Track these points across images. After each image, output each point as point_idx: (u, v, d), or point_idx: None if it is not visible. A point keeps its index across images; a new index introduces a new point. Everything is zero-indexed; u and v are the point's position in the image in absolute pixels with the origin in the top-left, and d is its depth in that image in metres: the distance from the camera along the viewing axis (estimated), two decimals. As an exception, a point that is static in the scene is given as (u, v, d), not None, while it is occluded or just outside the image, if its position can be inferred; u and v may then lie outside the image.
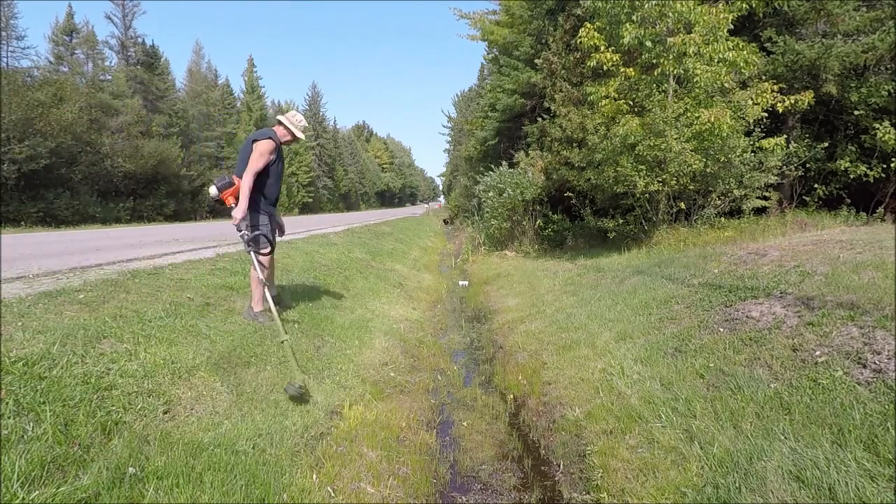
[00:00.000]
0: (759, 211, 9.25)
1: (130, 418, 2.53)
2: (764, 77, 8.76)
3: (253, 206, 4.02)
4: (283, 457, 2.72)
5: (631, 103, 8.87)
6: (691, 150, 7.90)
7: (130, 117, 25.54)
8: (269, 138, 4.04)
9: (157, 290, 4.43)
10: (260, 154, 3.97)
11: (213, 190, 4.00)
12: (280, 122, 4.22)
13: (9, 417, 2.20)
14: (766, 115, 8.44)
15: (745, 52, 7.87)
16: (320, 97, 59.85)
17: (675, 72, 8.08)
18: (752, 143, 8.42)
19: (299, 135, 4.19)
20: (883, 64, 8.85)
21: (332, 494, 2.60)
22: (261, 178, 4.04)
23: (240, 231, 3.97)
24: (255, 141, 4.03)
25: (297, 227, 15.82)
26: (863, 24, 8.78)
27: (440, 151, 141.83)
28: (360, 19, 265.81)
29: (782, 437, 2.42)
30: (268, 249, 4.20)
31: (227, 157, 36.09)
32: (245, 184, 3.91)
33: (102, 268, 5.23)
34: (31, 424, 2.21)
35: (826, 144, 9.24)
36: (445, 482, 3.12)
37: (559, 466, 3.18)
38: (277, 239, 4.54)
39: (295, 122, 4.19)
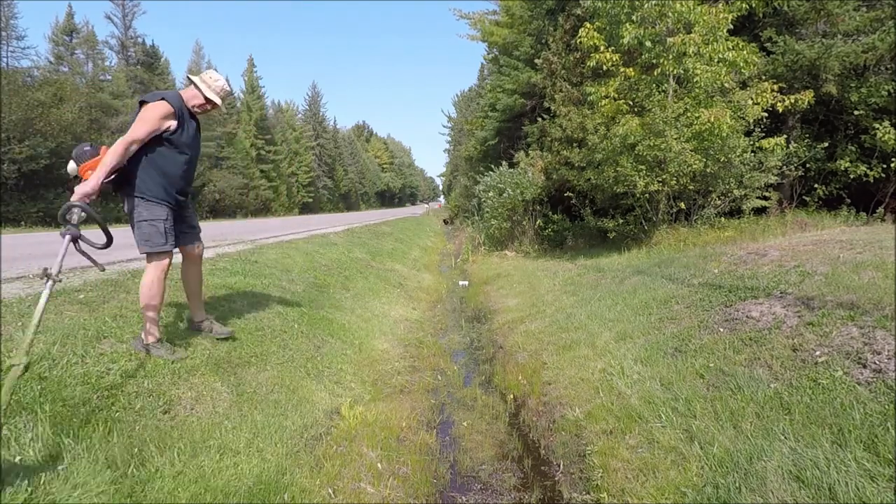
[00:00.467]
0: (759, 211, 9.25)
1: (130, 418, 2.53)
2: (764, 77, 8.77)
3: (146, 190, 3.01)
4: (283, 457, 2.72)
5: (631, 103, 8.88)
6: (691, 150, 7.90)
7: (130, 117, 25.46)
8: (163, 99, 3.02)
9: (157, 290, 4.42)
10: (143, 120, 2.95)
11: (71, 165, 3.03)
12: (190, 82, 3.24)
13: (9, 417, 2.20)
14: (766, 115, 8.44)
15: (745, 52, 7.87)
16: (320, 97, 59.96)
17: (674, 72, 8.08)
18: (752, 143, 8.43)
19: (213, 97, 3.17)
20: (883, 64, 8.85)
21: (332, 494, 2.60)
22: (157, 151, 3.04)
23: (68, 222, 2.59)
24: (143, 102, 3.05)
25: (297, 227, 15.84)
26: (863, 24, 8.79)
27: (440, 151, 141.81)
28: (360, 19, 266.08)
29: (782, 437, 2.42)
30: (165, 248, 3.06)
31: (228, 157, 36.13)
32: (112, 152, 2.85)
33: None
34: (31, 424, 2.21)
35: (826, 144, 9.24)
36: (445, 482, 3.12)
37: (559, 466, 3.18)
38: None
39: (209, 81, 3.20)
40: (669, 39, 7.87)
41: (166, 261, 3.10)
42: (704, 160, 8.02)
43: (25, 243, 8.62)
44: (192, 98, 3.20)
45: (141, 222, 3.03)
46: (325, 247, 9.61)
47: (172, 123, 3.06)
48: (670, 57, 7.90)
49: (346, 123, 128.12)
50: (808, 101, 8.30)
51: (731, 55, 7.71)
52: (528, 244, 12.71)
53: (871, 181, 8.86)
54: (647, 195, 8.63)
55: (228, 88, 3.30)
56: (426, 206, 75.23)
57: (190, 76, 3.26)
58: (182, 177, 3.19)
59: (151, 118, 2.98)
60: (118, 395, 2.64)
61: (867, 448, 2.16)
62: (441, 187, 75.17)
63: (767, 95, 8.21)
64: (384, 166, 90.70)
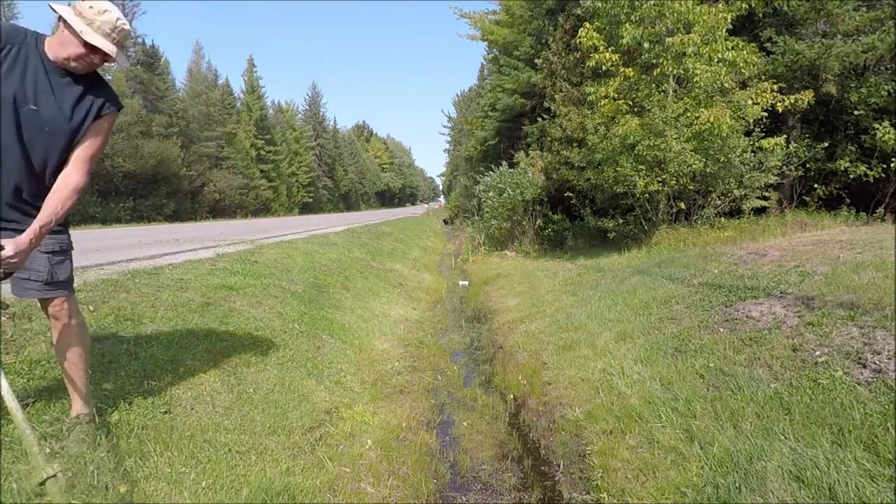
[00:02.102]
0: (759, 211, 9.26)
1: (131, 419, 2.53)
2: (764, 77, 8.77)
3: None
4: (283, 457, 2.72)
5: (630, 103, 8.88)
6: (691, 150, 7.90)
7: (130, 117, 25.54)
8: None
9: (157, 290, 4.43)
10: None
11: None
12: (59, 19, 1.91)
13: (9, 417, 2.20)
14: (765, 114, 8.45)
15: (744, 52, 7.87)
16: (320, 97, 59.89)
17: (674, 72, 8.08)
18: (751, 143, 8.43)
19: (97, 40, 1.90)
20: (883, 64, 8.85)
21: (332, 494, 2.60)
22: None
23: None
24: None
25: (297, 227, 15.83)
26: (863, 24, 8.79)
27: (440, 151, 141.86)
28: (360, 19, 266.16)
29: (782, 437, 2.42)
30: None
31: (227, 157, 36.11)
32: None
33: (102, 268, 5.22)
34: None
35: (826, 144, 9.24)
36: (445, 482, 3.12)
37: (559, 466, 3.18)
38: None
39: (88, 13, 1.89)
40: (668, 39, 7.87)
41: None
42: (704, 160, 8.02)
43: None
44: (61, 45, 1.94)
45: None
46: (325, 247, 9.61)
47: None
48: (670, 57, 7.90)
49: (346, 123, 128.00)
50: (808, 101, 8.30)
51: (730, 55, 7.71)
52: (528, 244, 12.72)
53: (871, 181, 8.86)
54: (646, 195, 8.63)
55: (124, 25, 1.96)
56: (426, 206, 75.19)
57: (53, 6, 1.93)
58: (19, 173, 1.97)
59: None
60: (118, 396, 2.64)
61: (867, 448, 2.16)
62: (441, 187, 75.15)
63: (767, 95, 8.22)
64: (384, 166, 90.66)
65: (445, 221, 34.13)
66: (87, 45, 1.90)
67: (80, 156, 2.05)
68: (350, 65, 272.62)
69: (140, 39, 32.03)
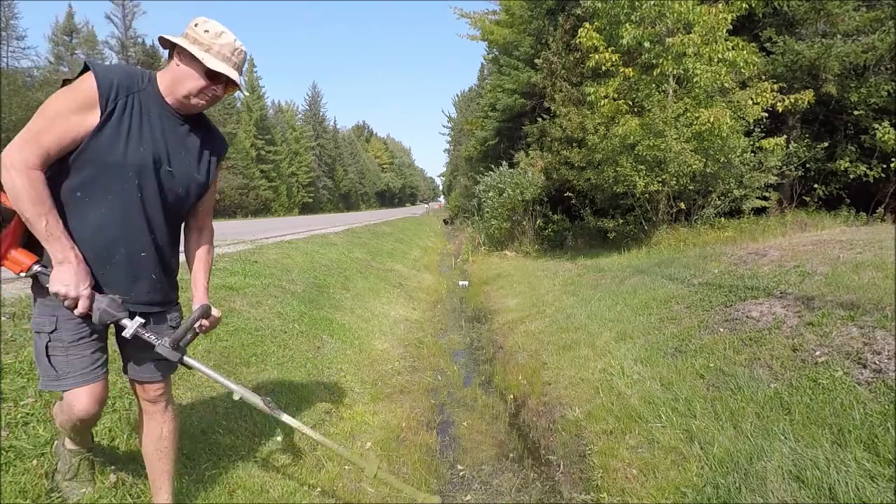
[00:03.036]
0: (759, 211, 9.26)
1: (131, 419, 2.53)
2: (764, 77, 8.77)
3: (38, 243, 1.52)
4: (283, 458, 2.72)
5: (630, 103, 8.88)
6: (691, 151, 7.90)
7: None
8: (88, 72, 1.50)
9: (157, 290, 4.43)
10: (44, 113, 1.46)
11: None
12: (168, 48, 1.63)
13: (9, 419, 2.20)
14: (766, 114, 8.45)
15: (744, 52, 7.87)
16: (320, 97, 59.89)
17: (674, 72, 8.08)
18: (752, 143, 8.43)
19: (221, 67, 1.59)
20: (883, 64, 8.86)
21: (332, 494, 2.60)
22: (69, 183, 1.53)
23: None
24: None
25: (297, 227, 15.84)
26: (863, 24, 8.79)
27: (440, 151, 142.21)
28: (360, 19, 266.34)
29: (782, 437, 2.42)
30: (57, 385, 1.64)
31: (227, 157, 35.99)
32: (22, 193, 1.40)
33: (102, 268, 5.22)
34: (33, 426, 2.20)
35: (826, 144, 9.25)
36: (445, 482, 3.12)
37: (559, 466, 3.18)
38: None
39: (206, 39, 1.59)
40: (669, 40, 7.87)
41: (75, 406, 1.63)
42: (704, 160, 8.02)
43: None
44: (177, 81, 1.62)
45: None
46: (325, 247, 9.61)
47: (93, 118, 1.49)
48: (670, 57, 7.90)
49: (346, 123, 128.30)
50: (808, 101, 8.31)
51: (730, 55, 7.71)
52: (528, 244, 12.72)
53: (871, 181, 8.87)
54: (646, 195, 8.64)
55: (242, 47, 1.68)
56: (426, 206, 75.18)
57: (166, 37, 1.60)
58: (117, 239, 1.60)
59: (58, 111, 1.46)
60: (118, 396, 2.64)
61: (867, 448, 2.16)
62: (441, 187, 75.08)
63: (767, 95, 8.22)
64: (384, 166, 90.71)
65: (445, 221, 34.14)
66: (208, 73, 1.59)
67: (207, 209, 1.89)
68: (350, 64, 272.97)
69: (140, 40, 32.07)
